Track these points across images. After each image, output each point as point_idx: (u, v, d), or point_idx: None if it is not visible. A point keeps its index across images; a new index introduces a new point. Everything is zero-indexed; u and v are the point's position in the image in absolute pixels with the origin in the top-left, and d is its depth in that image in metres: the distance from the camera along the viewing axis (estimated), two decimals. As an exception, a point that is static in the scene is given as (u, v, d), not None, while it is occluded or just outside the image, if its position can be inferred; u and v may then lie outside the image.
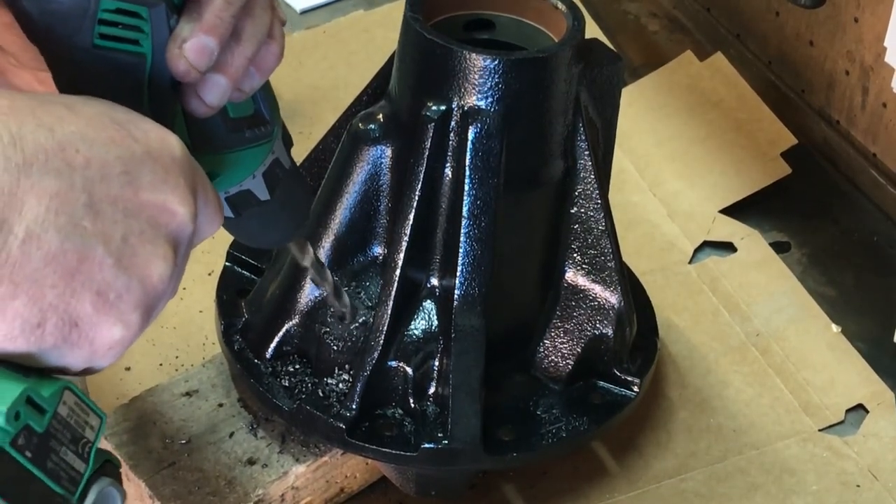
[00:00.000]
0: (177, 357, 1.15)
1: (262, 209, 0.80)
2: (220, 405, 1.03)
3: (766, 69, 1.41)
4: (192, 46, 0.68)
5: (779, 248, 1.27)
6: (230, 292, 1.05)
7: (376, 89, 0.99)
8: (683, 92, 1.40)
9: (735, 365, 1.16)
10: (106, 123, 0.63)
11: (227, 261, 1.08)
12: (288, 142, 0.81)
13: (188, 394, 1.03)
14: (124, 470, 0.99)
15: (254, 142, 0.76)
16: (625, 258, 1.16)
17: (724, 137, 1.35)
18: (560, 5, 0.95)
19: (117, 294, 0.62)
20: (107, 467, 0.70)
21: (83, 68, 0.67)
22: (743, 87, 1.38)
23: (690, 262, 1.25)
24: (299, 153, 1.16)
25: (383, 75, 0.98)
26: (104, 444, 1.00)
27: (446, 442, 0.94)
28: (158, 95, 0.70)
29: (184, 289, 1.21)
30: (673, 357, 1.16)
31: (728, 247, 1.27)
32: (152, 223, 0.63)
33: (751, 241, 1.26)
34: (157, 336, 1.17)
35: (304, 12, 1.56)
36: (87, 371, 0.66)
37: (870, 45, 1.26)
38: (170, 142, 0.65)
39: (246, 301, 1.03)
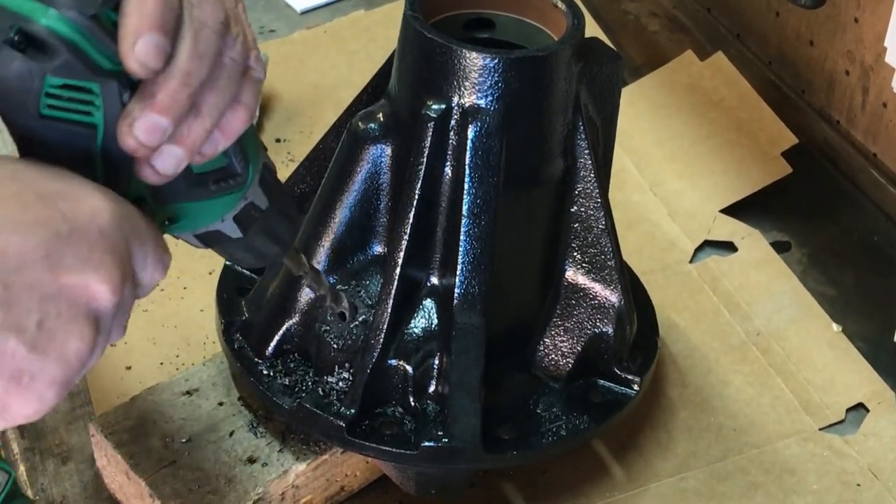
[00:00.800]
0: (177, 356, 1.15)
1: (236, 244, 0.78)
2: (221, 404, 1.03)
3: (767, 69, 1.41)
4: (141, 125, 0.65)
5: (779, 247, 1.27)
6: (230, 291, 1.05)
7: (376, 88, 0.99)
8: (684, 91, 1.40)
9: (736, 364, 1.16)
10: (32, 201, 0.62)
11: (227, 260, 1.07)
12: (270, 180, 0.77)
13: (188, 392, 1.03)
14: (124, 469, 0.99)
15: (220, 193, 0.73)
16: (625, 257, 1.16)
17: (725, 137, 1.35)
18: (560, 4, 0.95)
19: (31, 376, 0.62)
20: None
21: (33, 135, 0.66)
22: (744, 86, 1.38)
23: (691, 261, 1.26)
24: (300, 152, 1.16)
25: (383, 74, 0.98)
26: (104, 442, 1.00)
27: (446, 440, 0.94)
28: (112, 161, 0.68)
29: (184, 288, 1.21)
30: (673, 356, 1.16)
31: (729, 246, 1.27)
32: (71, 304, 0.62)
33: (751, 241, 1.26)
34: (157, 335, 1.17)
35: (305, 12, 1.56)
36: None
37: (870, 45, 1.26)
38: (100, 214, 0.64)
39: (246, 300, 1.03)
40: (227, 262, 1.08)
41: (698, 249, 1.27)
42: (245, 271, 1.07)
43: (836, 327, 1.18)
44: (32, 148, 0.66)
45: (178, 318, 1.18)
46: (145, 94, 0.65)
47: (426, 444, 0.94)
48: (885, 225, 1.29)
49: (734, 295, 1.21)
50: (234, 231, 0.76)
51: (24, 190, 0.62)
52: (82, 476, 1.05)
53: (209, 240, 0.76)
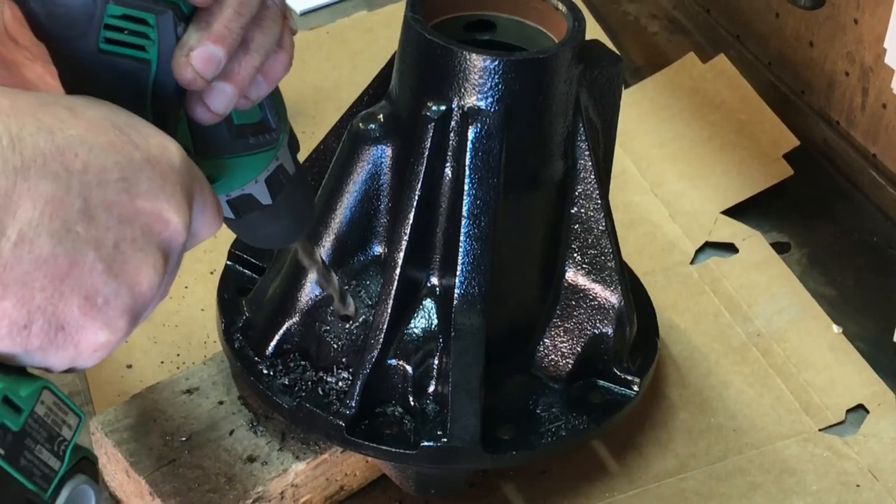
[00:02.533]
0: (178, 355, 1.15)
1: (264, 213, 0.80)
2: (221, 403, 1.03)
3: (766, 70, 1.42)
4: (199, 55, 0.68)
5: (779, 248, 1.27)
6: (231, 291, 1.06)
7: (377, 90, 0.99)
8: (686, 93, 1.40)
9: (736, 365, 1.16)
10: (107, 128, 0.64)
11: (228, 259, 1.08)
12: (294, 147, 0.81)
13: (189, 391, 1.04)
14: (124, 467, 0.99)
15: (257, 148, 0.76)
16: (626, 258, 1.16)
17: (727, 138, 1.35)
18: (561, 6, 0.95)
19: (105, 299, 0.62)
20: (83, 465, 0.70)
21: (87, 70, 0.68)
22: (745, 88, 1.38)
23: (692, 262, 1.26)
24: (302, 153, 1.17)
25: (384, 76, 0.98)
26: (105, 440, 1.00)
27: (446, 440, 0.94)
28: (162, 100, 0.70)
29: (185, 287, 1.21)
30: (674, 357, 1.16)
31: (730, 248, 1.27)
32: (145, 231, 0.64)
33: (752, 242, 1.26)
34: (158, 334, 1.17)
35: (305, 13, 1.56)
36: (70, 371, 0.66)
37: (870, 46, 1.26)
38: (170, 149, 0.66)
39: (247, 300, 1.04)
40: (229, 262, 1.08)
41: (699, 251, 1.27)
42: (246, 271, 1.07)
43: (836, 329, 1.18)
44: (85, 86, 0.67)
45: (178, 318, 1.18)
46: (201, 23, 0.68)
47: (425, 443, 0.94)
48: (885, 225, 1.29)
49: (735, 296, 1.21)
50: (264, 196, 0.79)
51: (99, 117, 0.64)
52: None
53: (241, 206, 0.79)
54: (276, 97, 0.77)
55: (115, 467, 1.01)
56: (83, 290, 0.62)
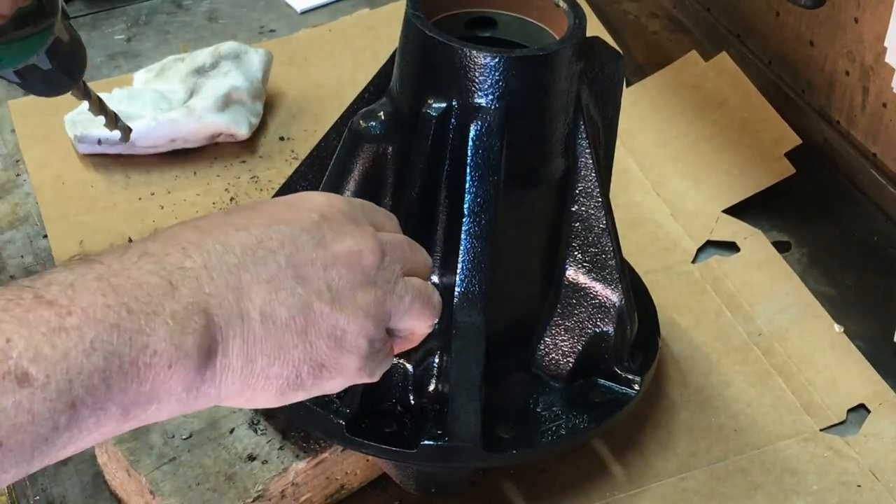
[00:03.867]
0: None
1: (46, 75, 0.99)
2: (222, 401, 1.03)
3: (767, 69, 1.42)
4: None
5: (779, 247, 1.27)
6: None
7: (378, 87, 0.99)
8: (688, 92, 1.40)
9: (737, 365, 1.16)
10: (282, 210, 0.76)
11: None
12: (66, 14, 0.97)
13: (189, 390, 1.03)
14: (125, 465, 0.99)
15: (37, 30, 0.92)
16: (628, 257, 1.16)
17: (729, 137, 1.35)
18: (562, 3, 0.95)
19: (342, 330, 0.75)
20: None
21: None
22: (748, 87, 1.38)
23: (693, 261, 1.25)
24: (304, 151, 1.16)
25: (384, 73, 0.98)
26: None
27: (446, 439, 0.94)
28: None
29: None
30: (675, 357, 1.16)
31: (731, 246, 1.27)
32: (348, 266, 0.75)
33: (754, 241, 1.26)
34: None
35: (305, 12, 1.56)
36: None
37: (870, 45, 1.26)
38: (333, 202, 0.78)
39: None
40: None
41: (700, 250, 1.27)
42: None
43: (837, 328, 1.18)
44: None
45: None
46: None
47: (425, 442, 0.94)
48: (885, 225, 1.29)
49: (736, 295, 1.21)
50: (45, 63, 0.98)
51: (273, 204, 0.78)
52: (82, 476, 1.05)
53: (26, 73, 0.98)
54: None
55: (115, 466, 1.01)
56: (324, 332, 0.74)
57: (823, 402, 1.12)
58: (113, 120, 1.16)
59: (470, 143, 0.91)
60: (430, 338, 0.95)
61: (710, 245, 1.27)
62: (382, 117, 0.95)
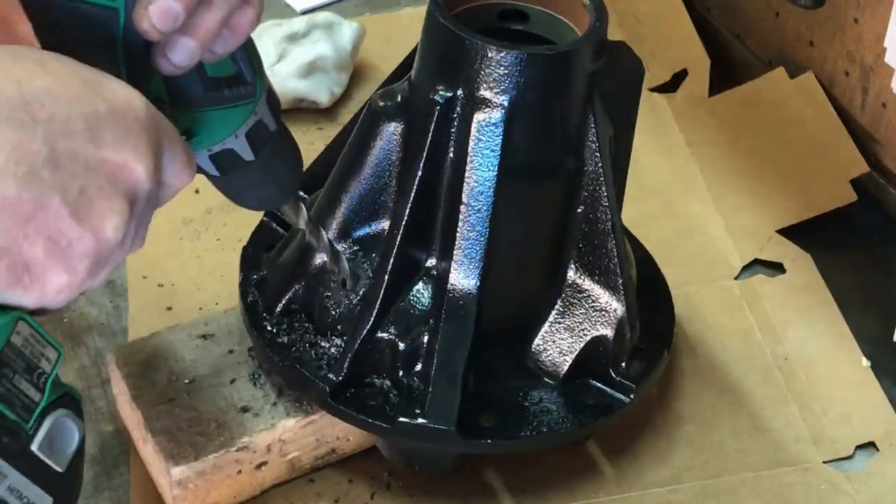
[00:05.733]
0: (217, 304, 1.19)
1: (248, 170, 0.83)
2: (231, 352, 1.07)
3: (767, 70, 1.39)
4: (156, 8, 0.71)
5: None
6: (257, 246, 1.09)
7: (402, 71, 1.01)
8: (769, 108, 1.38)
9: (756, 386, 1.15)
10: (74, 81, 0.67)
11: (264, 216, 1.12)
12: (275, 104, 0.83)
13: (204, 336, 1.08)
14: (128, 398, 1.04)
15: (234, 101, 0.79)
16: (673, 267, 1.16)
17: (798, 158, 1.33)
18: (587, 2, 0.95)
19: (69, 242, 0.66)
20: (66, 400, 0.73)
21: (59, 21, 0.71)
22: (828, 110, 1.35)
23: (737, 278, 1.24)
24: (314, 152, 1.17)
25: (410, 58, 1.00)
26: (117, 370, 1.05)
27: (422, 420, 0.96)
28: (133, 50, 0.73)
29: (239, 241, 1.25)
30: (693, 370, 1.16)
31: (777, 267, 1.25)
32: (111, 179, 0.67)
33: (801, 264, 1.24)
34: (204, 282, 1.21)
35: (305, 13, 1.55)
36: (40, 312, 0.70)
37: (870, 45, 1.24)
38: (134, 102, 0.69)
39: (267, 257, 1.07)
40: (265, 218, 1.12)
41: (746, 267, 1.25)
42: (280, 228, 1.10)
43: (865, 363, 1.16)
44: (58, 37, 0.71)
45: (225, 269, 1.22)
46: None
47: (402, 419, 0.96)
48: (886, 225, 1.27)
49: (771, 317, 1.20)
50: (246, 151, 0.82)
51: (66, 71, 0.67)
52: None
53: (224, 163, 0.82)
54: (250, 52, 0.79)
55: (122, 398, 1.06)
56: (47, 233, 0.65)
57: (833, 434, 1.11)
58: (336, 256, 0.97)
59: (473, 132, 0.93)
60: (423, 318, 0.98)
61: (758, 263, 1.26)
62: (399, 98, 0.97)
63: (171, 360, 1.06)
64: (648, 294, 1.09)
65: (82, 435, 0.74)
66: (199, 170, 0.82)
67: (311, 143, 1.36)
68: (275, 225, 1.11)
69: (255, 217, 1.26)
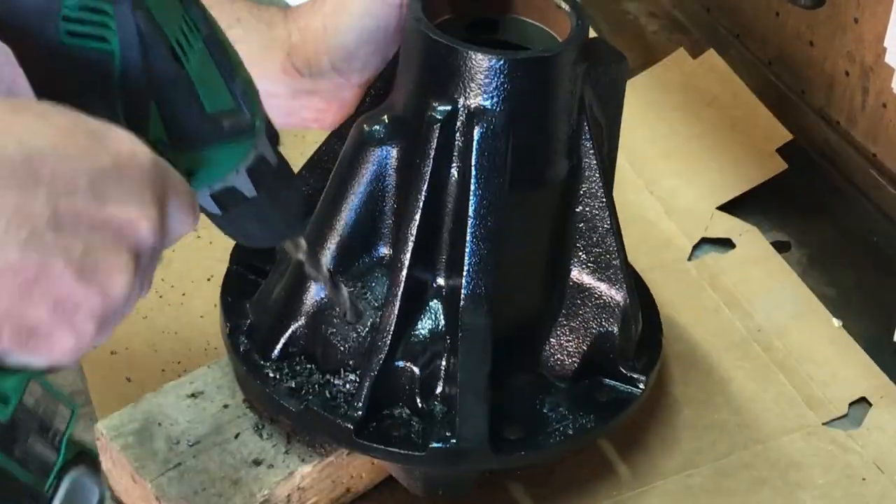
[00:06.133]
0: (178, 363, 1.14)
1: (251, 207, 0.79)
2: (226, 406, 1.02)
3: (766, 69, 1.42)
4: None
5: (779, 247, 1.27)
6: (234, 294, 1.05)
7: (380, 90, 0.98)
8: (677, 89, 1.40)
9: (737, 361, 1.16)
10: (77, 134, 0.64)
11: (231, 263, 1.07)
12: (275, 140, 0.79)
13: (193, 395, 1.03)
14: (130, 471, 0.98)
15: (233, 136, 0.75)
16: (625, 256, 1.16)
17: (720, 134, 1.35)
18: (563, 5, 0.95)
19: (75, 305, 0.64)
20: (82, 458, 0.70)
21: (54, 66, 0.68)
22: (737, 83, 1.38)
23: (689, 259, 1.26)
24: (301, 159, 1.15)
25: (385, 77, 0.97)
26: (110, 445, 0.99)
27: (454, 442, 0.93)
28: (131, 92, 0.70)
29: (183, 294, 1.21)
30: (675, 355, 1.16)
31: (727, 243, 1.27)
32: (116, 236, 0.65)
33: (749, 237, 1.27)
34: (158, 342, 1.16)
35: None
36: (50, 370, 0.67)
37: (870, 45, 1.27)
38: (139, 153, 0.66)
39: (251, 303, 1.03)
40: (232, 265, 1.07)
41: (696, 247, 1.27)
42: (248, 274, 1.06)
43: (836, 322, 1.18)
44: (52, 84, 0.67)
45: (178, 325, 1.17)
46: None
47: (434, 445, 0.93)
48: (885, 225, 1.29)
49: (733, 292, 1.22)
50: (248, 187, 0.78)
51: (69, 123, 0.64)
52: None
53: (225, 200, 0.78)
54: (246, 84, 0.76)
55: (120, 472, 1.00)
56: (52, 296, 0.63)
57: (825, 395, 1.13)
58: (336, 287, 0.94)
59: (475, 145, 0.91)
60: (437, 340, 0.96)
61: (706, 242, 1.27)
62: (386, 121, 0.95)
63: (166, 424, 1.01)
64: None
65: (102, 492, 0.72)
66: (203, 207, 0.78)
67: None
68: (242, 270, 1.07)
69: (194, 270, 1.22)
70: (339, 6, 0.95)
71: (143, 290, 0.69)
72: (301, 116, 1.00)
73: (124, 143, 0.66)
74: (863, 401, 1.13)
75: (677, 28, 1.53)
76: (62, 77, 0.68)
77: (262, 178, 0.78)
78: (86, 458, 0.70)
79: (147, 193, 0.66)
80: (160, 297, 1.21)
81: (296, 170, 1.07)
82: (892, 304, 1.20)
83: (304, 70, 0.97)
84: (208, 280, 1.20)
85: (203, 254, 1.21)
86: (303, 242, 0.89)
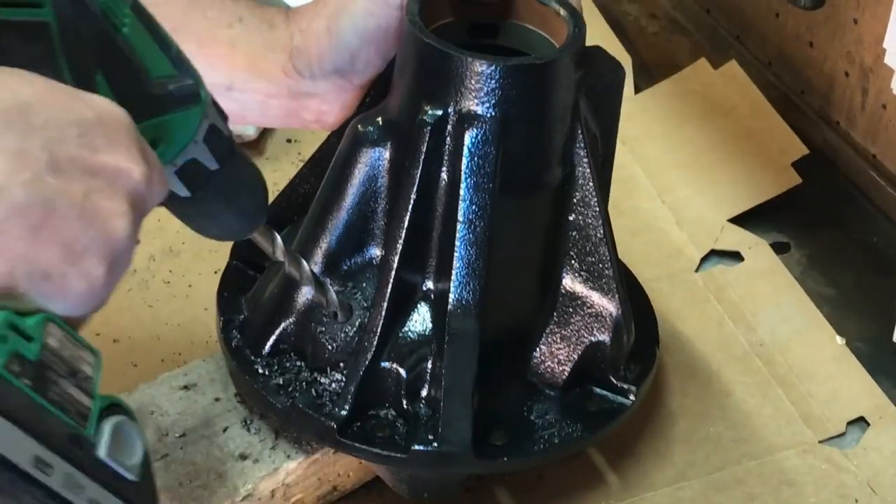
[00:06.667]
0: (179, 354, 1.15)
1: (216, 187, 0.80)
2: (217, 400, 1.03)
3: (766, 70, 1.42)
4: None
5: (779, 248, 1.27)
6: (232, 289, 1.05)
7: (379, 91, 0.98)
8: (697, 99, 1.40)
9: (738, 375, 1.15)
10: (59, 91, 0.66)
11: (230, 258, 1.08)
12: (223, 113, 0.81)
13: (186, 387, 1.04)
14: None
15: (183, 103, 0.76)
16: (631, 265, 1.16)
17: (736, 145, 1.34)
18: (562, 12, 0.94)
19: (83, 246, 0.65)
20: (118, 408, 0.69)
21: None
22: (756, 95, 1.37)
23: (697, 270, 1.25)
24: (310, 153, 1.16)
25: (384, 78, 0.98)
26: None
27: (437, 445, 0.93)
28: (76, 63, 0.70)
29: (189, 286, 1.21)
30: (675, 366, 1.16)
31: (735, 256, 1.26)
32: (111, 182, 0.66)
33: (758, 251, 1.26)
34: (162, 332, 1.17)
35: None
36: (68, 321, 0.68)
37: (869, 46, 1.26)
38: (116, 110, 0.68)
39: (246, 298, 1.04)
40: (233, 261, 1.08)
41: (704, 258, 1.26)
42: (247, 270, 1.07)
43: (839, 340, 1.17)
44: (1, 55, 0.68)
45: (182, 317, 1.18)
46: None
47: (416, 447, 0.93)
48: (885, 226, 1.29)
49: (739, 305, 1.21)
50: (209, 159, 0.79)
51: (46, 82, 0.66)
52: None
53: (190, 175, 0.78)
54: (181, 53, 0.77)
55: (109, 462, 1.01)
56: (60, 238, 0.64)
57: (823, 413, 1.12)
58: (320, 286, 0.94)
59: (466, 150, 0.91)
60: (424, 343, 0.96)
61: (714, 254, 1.27)
62: (381, 122, 0.95)
63: (157, 415, 1.02)
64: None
65: (145, 442, 0.70)
66: (171, 195, 0.79)
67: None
68: (242, 266, 1.08)
69: (201, 261, 1.23)
70: (340, 8, 0.95)
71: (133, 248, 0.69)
72: (301, 117, 1.01)
73: (101, 101, 0.68)
74: (861, 420, 1.12)
75: (677, 29, 1.53)
76: (7, 50, 0.68)
77: (221, 149, 0.80)
78: (120, 407, 0.69)
79: (133, 145, 0.68)
80: (168, 285, 1.22)
81: (293, 171, 1.08)
82: (892, 305, 1.19)
83: (306, 71, 0.97)
84: (215, 273, 1.19)
85: (211, 246, 1.21)
86: (278, 238, 0.89)
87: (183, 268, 1.23)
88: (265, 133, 1.38)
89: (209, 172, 0.79)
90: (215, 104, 0.80)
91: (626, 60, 1.43)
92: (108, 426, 0.67)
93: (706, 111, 1.38)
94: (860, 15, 1.26)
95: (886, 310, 1.19)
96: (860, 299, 1.22)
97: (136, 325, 1.18)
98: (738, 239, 1.27)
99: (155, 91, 0.75)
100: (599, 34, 1.45)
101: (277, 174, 1.33)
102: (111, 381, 1.10)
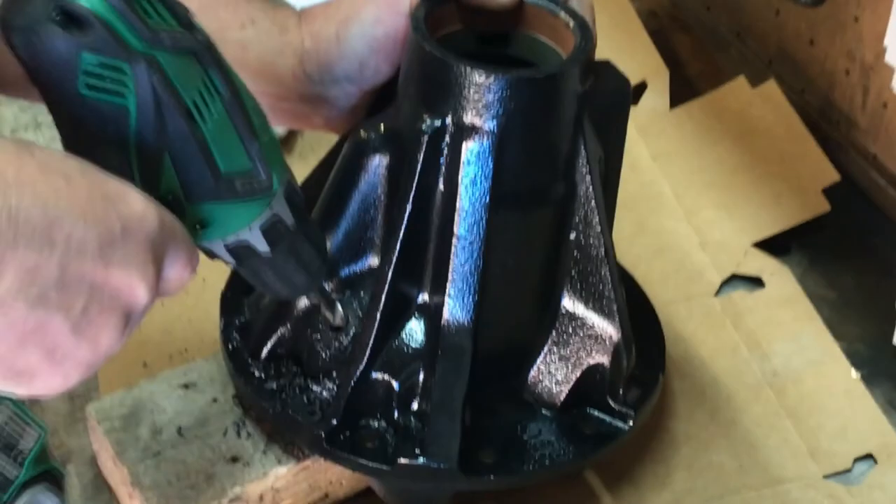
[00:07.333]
0: (186, 350, 1.16)
1: (264, 262, 0.83)
2: (215, 400, 1.03)
3: (766, 68, 1.40)
4: None
5: (779, 249, 1.25)
6: (236, 291, 1.05)
7: (387, 97, 0.98)
8: (732, 118, 1.37)
9: (747, 404, 1.13)
10: (95, 198, 0.68)
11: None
12: (296, 200, 0.82)
13: (186, 386, 1.04)
14: (111, 455, 1.00)
15: (246, 196, 0.78)
16: (650, 286, 1.14)
17: (767, 168, 1.32)
18: (571, 24, 0.93)
19: (64, 354, 0.69)
20: (45, 477, 0.74)
21: (74, 114, 0.72)
22: (791, 117, 1.35)
23: (716, 294, 1.23)
24: (306, 168, 1.15)
25: (393, 84, 0.97)
26: (97, 427, 1.01)
27: (423, 459, 0.93)
28: (145, 147, 0.74)
29: (203, 280, 1.21)
30: (684, 391, 1.14)
31: (756, 281, 1.24)
32: (113, 298, 0.70)
33: (780, 278, 1.23)
34: (172, 328, 1.18)
35: None
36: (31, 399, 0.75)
37: (870, 44, 1.24)
38: (148, 216, 0.71)
39: (248, 301, 1.04)
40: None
41: (725, 283, 1.24)
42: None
43: (854, 374, 1.15)
44: (72, 129, 0.73)
45: (193, 313, 1.19)
46: None
47: (402, 460, 0.93)
48: (885, 226, 1.27)
49: (756, 332, 1.19)
50: (262, 244, 0.81)
51: (89, 186, 0.69)
52: (82, 478, 1.05)
53: (240, 254, 0.82)
54: (268, 147, 0.78)
55: (105, 455, 1.02)
56: (45, 346, 0.68)
57: (831, 448, 1.09)
58: (329, 304, 0.95)
59: (462, 162, 0.90)
60: (417, 356, 0.95)
61: (736, 279, 1.25)
62: (382, 129, 0.94)
63: (154, 412, 1.02)
64: (636, 317, 1.06)
65: None
66: (216, 256, 0.83)
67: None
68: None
69: (218, 262, 1.23)
70: (351, 14, 0.95)
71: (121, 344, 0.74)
72: (311, 121, 1.01)
73: (136, 206, 0.70)
74: (869, 457, 1.09)
75: (678, 27, 1.51)
76: (82, 127, 0.72)
77: (277, 237, 0.82)
78: (49, 476, 0.74)
79: (149, 257, 0.71)
80: (182, 282, 1.22)
81: (296, 170, 1.08)
82: (892, 306, 1.16)
83: (316, 76, 0.97)
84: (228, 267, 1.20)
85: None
86: (326, 293, 0.93)
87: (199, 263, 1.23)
88: (295, 130, 1.38)
89: (259, 254, 0.82)
90: (290, 192, 0.81)
91: (663, 73, 1.41)
92: (26, 495, 0.75)
93: (741, 131, 1.36)
94: (861, 13, 1.24)
95: (887, 312, 1.16)
96: (860, 301, 1.20)
97: (147, 320, 1.18)
98: (761, 265, 1.24)
99: (220, 183, 0.77)
100: (640, 44, 1.44)
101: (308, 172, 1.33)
102: (118, 375, 1.12)
